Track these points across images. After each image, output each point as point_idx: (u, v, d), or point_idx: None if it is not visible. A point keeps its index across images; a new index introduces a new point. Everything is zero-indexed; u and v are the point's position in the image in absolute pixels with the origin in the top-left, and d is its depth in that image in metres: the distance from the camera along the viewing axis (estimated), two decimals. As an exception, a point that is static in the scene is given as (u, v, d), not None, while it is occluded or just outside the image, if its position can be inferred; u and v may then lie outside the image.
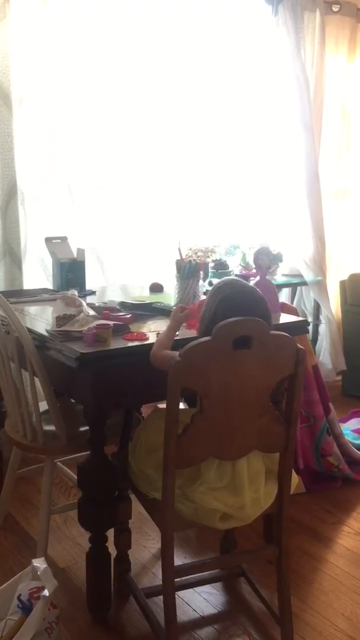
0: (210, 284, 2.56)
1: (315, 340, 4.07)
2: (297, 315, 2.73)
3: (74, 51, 3.03)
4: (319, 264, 3.85)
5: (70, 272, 2.77)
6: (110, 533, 2.09)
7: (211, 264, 3.22)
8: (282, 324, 2.32)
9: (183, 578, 1.98)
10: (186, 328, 2.10)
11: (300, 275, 3.84)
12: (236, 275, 3.24)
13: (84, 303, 2.16)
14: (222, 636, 2.01)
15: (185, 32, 3.38)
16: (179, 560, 2.28)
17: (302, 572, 2.34)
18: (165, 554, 1.75)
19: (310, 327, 3.67)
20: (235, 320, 1.63)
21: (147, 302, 2.45)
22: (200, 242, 3.28)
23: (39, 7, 2.89)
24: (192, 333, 1.99)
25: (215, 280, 2.28)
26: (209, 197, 3.68)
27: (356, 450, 3.12)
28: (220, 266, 3.26)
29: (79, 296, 2.22)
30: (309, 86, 3.73)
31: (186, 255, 2.55)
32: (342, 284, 4.21)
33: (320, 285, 3.89)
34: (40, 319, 2.30)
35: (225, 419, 1.69)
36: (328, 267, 4.03)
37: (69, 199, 3.13)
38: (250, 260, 3.28)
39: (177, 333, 1.95)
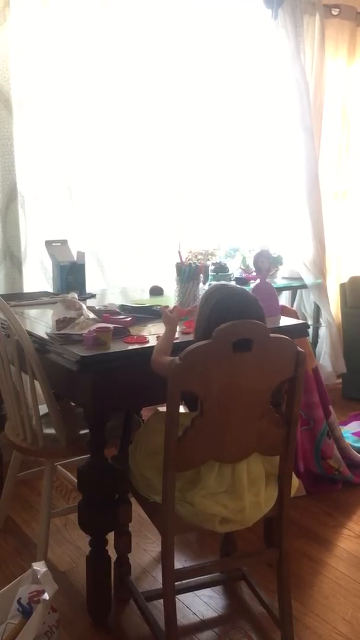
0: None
1: (315, 343, 4.07)
2: (297, 318, 2.73)
3: (73, 54, 3.03)
4: (319, 267, 3.85)
5: (71, 275, 2.77)
6: (110, 536, 2.08)
7: (211, 267, 3.21)
8: (282, 326, 2.31)
9: (183, 581, 1.97)
10: (183, 333, 2.09)
11: (300, 278, 3.84)
12: (236, 278, 3.24)
13: (84, 306, 2.16)
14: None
15: (185, 36, 3.39)
16: (179, 563, 2.28)
17: (302, 575, 2.34)
18: (166, 557, 1.75)
19: (310, 330, 3.67)
20: (235, 322, 1.63)
21: (147, 305, 2.44)
22: (200, 244, 3.28)
23: (39, 10, 2.90)
24: (191, 337, 1.98)
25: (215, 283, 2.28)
26: (209, 200, 3.68)
27: (356, 453, 3.12)
28: (220, 269, 3.25)
29: (79, 299, 2.22)
30: (309, 89, 3.73)
31: (186, 258, 2.55)
32: (342, 286, 4.21)
33: (320, 288, 3.89)
34: (41, 322, 2.30)
35: (225, 422, 1.69)
36: (328, 269, 4.03)
37: (69, 201, 3.13)
38: (250, 263, 3.27)
39: (176, 336, 1.95)
